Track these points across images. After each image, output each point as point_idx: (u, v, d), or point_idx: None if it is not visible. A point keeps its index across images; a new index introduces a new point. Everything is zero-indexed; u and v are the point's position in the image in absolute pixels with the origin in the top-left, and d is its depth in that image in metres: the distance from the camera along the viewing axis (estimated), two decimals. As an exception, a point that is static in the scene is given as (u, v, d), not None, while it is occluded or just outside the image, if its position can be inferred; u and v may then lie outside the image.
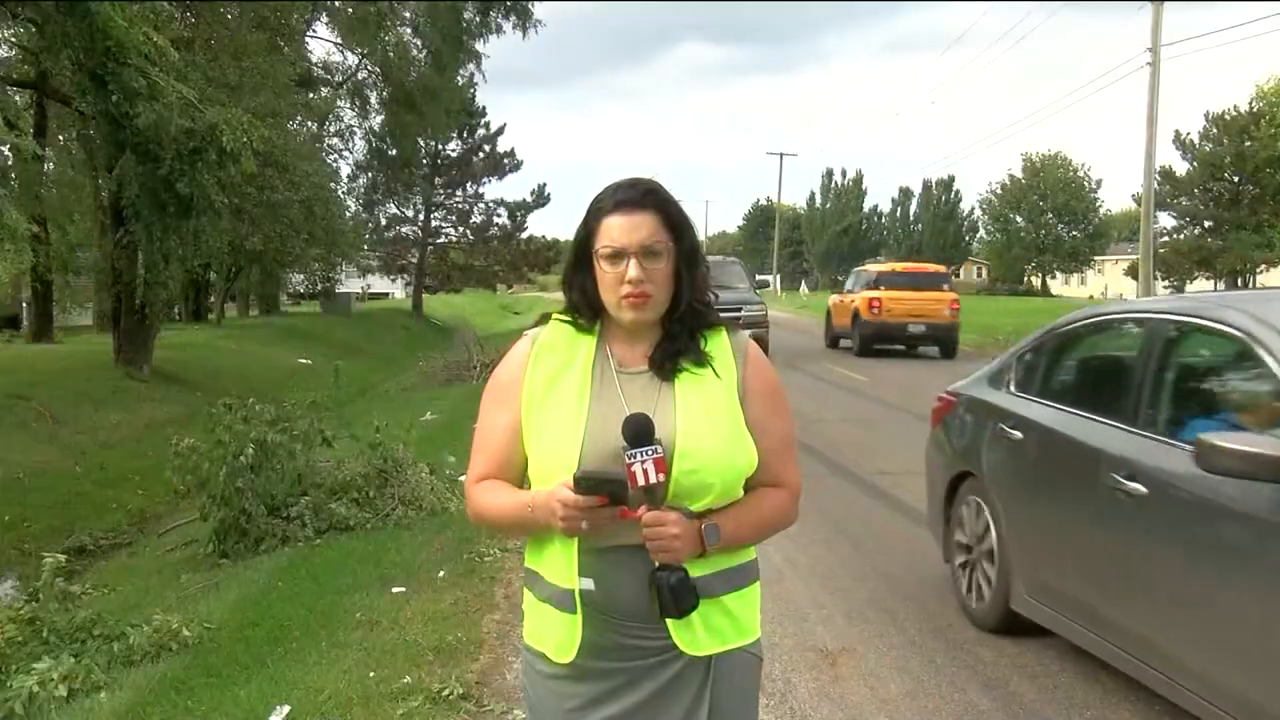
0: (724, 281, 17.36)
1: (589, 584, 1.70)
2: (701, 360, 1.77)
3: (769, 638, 4.36)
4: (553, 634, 1.76)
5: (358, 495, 6.95)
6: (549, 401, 1.76)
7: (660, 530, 1.63)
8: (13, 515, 9.76)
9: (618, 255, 1.72)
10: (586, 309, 1.81)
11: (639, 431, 1.64)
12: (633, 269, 1.71)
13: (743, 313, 16.22)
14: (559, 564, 1.73)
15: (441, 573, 5.51)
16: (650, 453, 1.63)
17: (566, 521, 1.63)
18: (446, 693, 3.82)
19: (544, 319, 1.88)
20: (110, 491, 11.08)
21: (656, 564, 1.65)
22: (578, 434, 1.71)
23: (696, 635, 1.71)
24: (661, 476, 1.63)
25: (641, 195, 1.76)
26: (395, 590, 5.23)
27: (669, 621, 1.68)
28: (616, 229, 1.73)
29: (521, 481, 1.83)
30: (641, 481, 1.62)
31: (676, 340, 1.78)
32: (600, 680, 1.75)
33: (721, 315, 1.83)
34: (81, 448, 12.33)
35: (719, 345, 1.81)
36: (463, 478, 5.96)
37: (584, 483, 1.61)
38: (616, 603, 1.71)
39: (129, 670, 4.53)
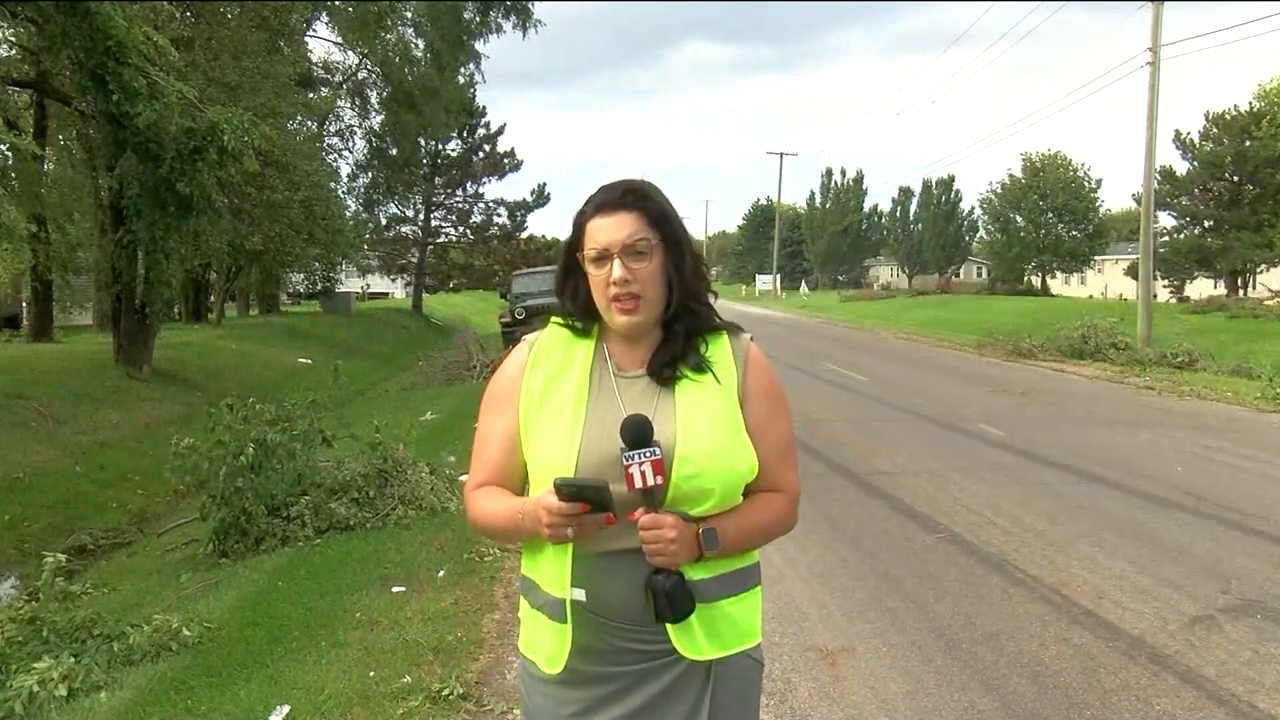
0: None
1: (580, 595, 1.67)
2: (701, 365, 1.74)
3: (769, 637, 4.36)
4: (544, 644, 1.73)
5: (358, 495, 6.95)
6: (546, 408, 1.74)
7: (657, 534, 1.60)
8: (13, 514, 9.76)
9: (602, 257, 1.70)
10: (581, 314, 1.79)
11: (637, 433, 1.62)
12: (617, 269, 1.68)
13: None
14: (552, 572, 1.70)
15: (441, 573, 5.51)
16: (648, 454, 1.60)
17: (552, 528, 1.61)
18: (446, 693, 3.83)
19: (544, 322, 1.86)
20: (110, 491, 11.09)
21: (653, 568, 1.63)
22: (574, 441, 1.69)
23: (697, 640, 1.68)
24: (660, 479, 1.60)
25: (620, 196, 1.73)
26: (395, 590, 5.23)
27: (668, 626, 1.65)
28: (598, 231, 1.71)
29: (521, 489, 1.81)
30: (639, 484, 1.60)
31: (674, 344, 1.75)
32: (598, 685, 1.71)
33: None
34: (81, 447, 12.33)
35: (720, 349, 1.77)
36: (463, 477, 5.97)
37: (564, 489, 1.59)
38: (610, 608, 1.68)
39: (129, 670, 4.53)
